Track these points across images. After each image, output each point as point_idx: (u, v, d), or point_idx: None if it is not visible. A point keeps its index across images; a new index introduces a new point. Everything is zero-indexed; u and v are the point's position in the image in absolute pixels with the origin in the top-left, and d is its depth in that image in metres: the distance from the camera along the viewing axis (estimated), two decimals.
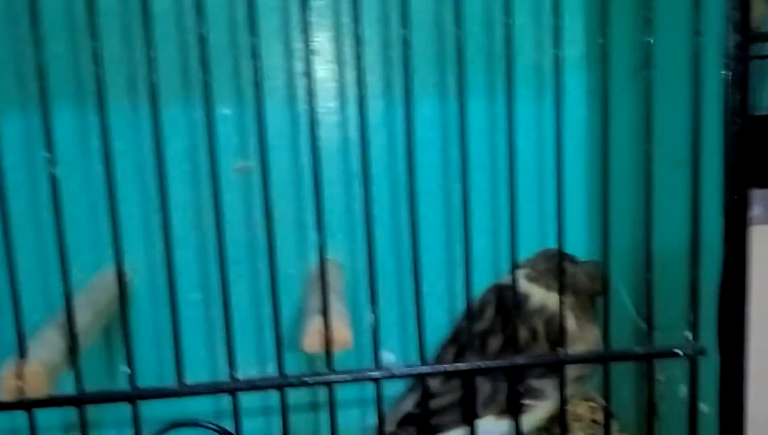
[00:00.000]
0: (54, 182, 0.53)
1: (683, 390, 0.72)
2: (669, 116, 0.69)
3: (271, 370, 0.95)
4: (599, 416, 0.99)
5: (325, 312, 0.58)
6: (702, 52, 0.58)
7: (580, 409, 1.01)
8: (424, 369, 0.59)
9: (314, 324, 0.59)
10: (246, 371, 0.90)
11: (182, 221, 0.92)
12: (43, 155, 0.52)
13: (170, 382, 0.89)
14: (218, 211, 0.57)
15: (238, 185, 0.93)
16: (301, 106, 0.92)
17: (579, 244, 0.95)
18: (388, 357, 0.96)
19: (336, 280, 0.81)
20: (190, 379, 0.57)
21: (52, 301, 0.90)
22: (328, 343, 0.57)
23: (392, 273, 0.95)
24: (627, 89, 0.80)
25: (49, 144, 0.52)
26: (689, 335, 0.62)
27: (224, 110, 0.92)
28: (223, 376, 0.58)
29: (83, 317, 0.72)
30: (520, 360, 0.60)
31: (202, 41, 0.54)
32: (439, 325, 0.94)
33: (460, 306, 0.94)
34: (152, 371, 0.90)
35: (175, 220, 0.91)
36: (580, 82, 0.94)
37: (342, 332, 0.58)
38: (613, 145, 0.62)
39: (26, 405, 0.55)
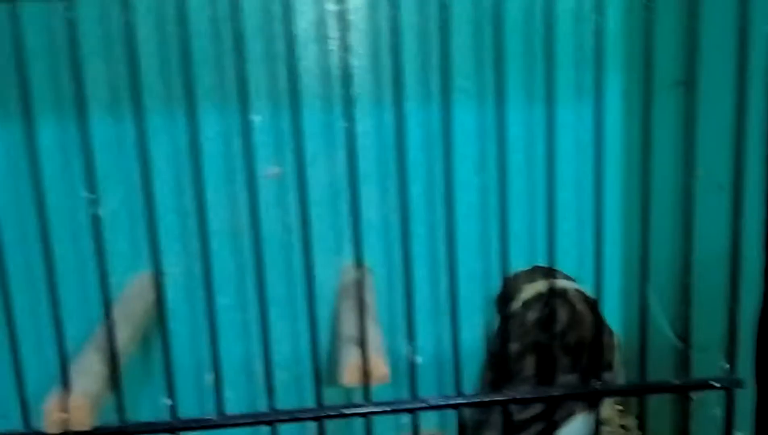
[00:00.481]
0: (97, 222, 0.53)
1: (718, 411, 0.72)
2: (711, 130, 0.68)
3: (305, 370, 0.96)
4: (627, 421, 0.99)
5: (362, 344, 0.58)
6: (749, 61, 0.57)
7: (608, 412, 1.01)
8: (460, 400, 0.60)
9: (352, 358, 0.59)
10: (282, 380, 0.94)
11: (216, 228, 0.93)
12: (86, 196, 0.52)
13: (209, 405, 0.91)
14: (256, 225, 0.57)
15: (270, 192, 0.93)
16: (336, 111, 0.91)
17: (615, 263, 0.94)
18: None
19: (369, 294, 0.81)
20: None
21: (90, 307, 0.91)
22: (366, 377, 0.57)
23: (426, 277, 0.95)
24: (668, 95, 0.78)
25: (91, 185, 0.53)
26: (726, 365, 0.62)
27: (254, 117, 0.92)
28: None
29: (122, 334, 0.73)
30: (555, 391, 0.60)
31: (239, 49, 0.54)
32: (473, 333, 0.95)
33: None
34: (189, 381, 0.92)
35: (210, 226, 0.93)
36: (618, 86, 0.92)
37: (380, 367, 0.58)
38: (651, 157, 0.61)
39: None
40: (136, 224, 0.93)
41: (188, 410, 0.73)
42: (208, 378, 0.97)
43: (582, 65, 0.90)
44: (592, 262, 0.96)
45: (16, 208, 0.88)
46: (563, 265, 0.83)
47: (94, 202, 0.53)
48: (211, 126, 0.90)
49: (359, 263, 0.58)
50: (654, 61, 0.60)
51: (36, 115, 0.54)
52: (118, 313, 0.79)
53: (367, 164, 0.93)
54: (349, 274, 0.93)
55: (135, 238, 0.93)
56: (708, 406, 0.73)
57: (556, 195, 0.60)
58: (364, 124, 0.92)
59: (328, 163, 0.94)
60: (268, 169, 0.93)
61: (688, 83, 0.58)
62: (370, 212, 0.95)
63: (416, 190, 0.92)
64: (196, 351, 0.95)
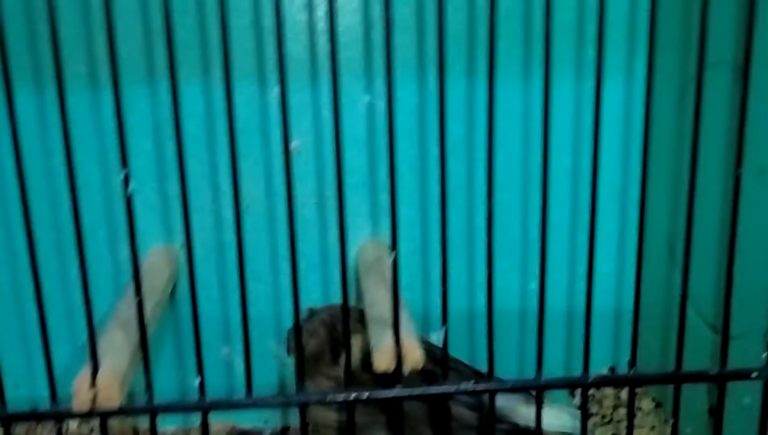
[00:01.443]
0: (129, 203, 0.52)
1: (747, 400, 0.72)
2: (752, 111, 0.66)
3: None
4: (643, 403, 0.99)
5: (396, 328, 0.57)
6: None
7: (624, 393, 1.01)
8: (495, 385, 0.59)
9: (386, 343, 0.58)
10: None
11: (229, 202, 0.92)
12: (120, 176, 0.51)
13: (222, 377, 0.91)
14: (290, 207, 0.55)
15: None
16: (358, 84, 0.89)
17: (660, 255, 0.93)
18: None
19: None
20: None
21: (104, 283, 0.91)
22: (400, 362, 0.56)
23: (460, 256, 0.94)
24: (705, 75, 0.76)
25: (124, 160, 0.51)
26: (764, 354, 0.61)
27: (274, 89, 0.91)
28: None
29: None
30: (587, 379, 0.59)
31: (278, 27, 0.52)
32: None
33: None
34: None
35: (224, 202, 0.92)
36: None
37: (415, 352, 0.57)
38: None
39: (99, 415, 0.56)
40: (148, 198, 0.91)
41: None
42: (224, 351, 0.96)
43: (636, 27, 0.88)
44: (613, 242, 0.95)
45: (49, 186, 0.87)
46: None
47: (126, 180, 0.52)
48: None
49: (394, 246, 0.57)
50: (692, 40, 0.58)
51: (69, 85, 0.52)
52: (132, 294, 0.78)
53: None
54: (370, 251, 0.92)
55: (149, 212, 0.92)
56: (737, 394, 0.72)
57: (598, 175, 0.59)
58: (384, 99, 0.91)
59: (346, 138, 0.93)
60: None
61: (735, 66, 0.56)
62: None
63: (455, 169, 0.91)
64: (211, 324, 0.94)
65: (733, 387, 0.73)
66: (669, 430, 0.91)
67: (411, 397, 0.57)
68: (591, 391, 0.99)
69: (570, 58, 0.89)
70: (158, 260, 0.89)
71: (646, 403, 0.98)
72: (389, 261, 0.84)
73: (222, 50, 0.51)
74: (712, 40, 0.75)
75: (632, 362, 0.60)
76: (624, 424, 0.95)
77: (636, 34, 0.90)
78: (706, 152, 0.76)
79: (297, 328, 0.57)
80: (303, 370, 0.57)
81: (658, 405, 0.98)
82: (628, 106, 0.91)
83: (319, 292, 0.94)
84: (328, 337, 0.80)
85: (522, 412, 0.71)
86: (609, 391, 1.00)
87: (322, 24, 0.89)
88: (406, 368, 0.58)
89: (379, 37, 0.89)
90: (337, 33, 0.52)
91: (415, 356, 0.58)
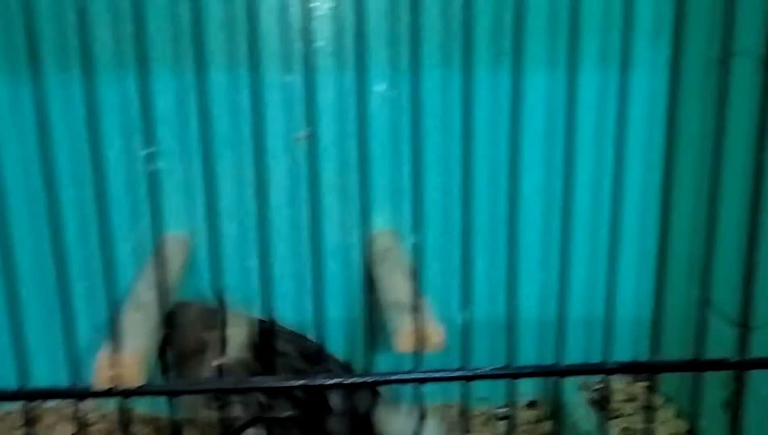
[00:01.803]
0: (154, 179, 0.52)
1: (765, 391, 0.71)
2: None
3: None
4: (654, 399, 0.99)
5: (417, 310, 0.57)
6: None
7: (634, 389, 1.01)
8: (514, 369, 0.59)
9: (407, 325, 0.58)
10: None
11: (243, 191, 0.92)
12: (143, 153, 0.51)
13: None
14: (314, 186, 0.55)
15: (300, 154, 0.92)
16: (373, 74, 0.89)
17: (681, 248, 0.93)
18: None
19: (406, 261, 0.80)
20: None
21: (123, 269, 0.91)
22: (421, 344, 0.56)
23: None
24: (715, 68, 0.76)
25: (149, 138, 0.51)
26: None
27: (288, 77, 0.90)
28: None
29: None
30: (608, 366, 0.59)
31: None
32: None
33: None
34: None
35: (239, 189, 0.92)
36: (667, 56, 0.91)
37: (437, 334, 0.57)
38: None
39: (120, 394, 0.56)
40: (162, 184, 0.91)
41: None
42: None
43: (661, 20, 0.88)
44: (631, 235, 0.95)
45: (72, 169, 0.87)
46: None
47: (151, 157, 0.52)
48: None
49: (417, 229, 0.57)
50: (717, 29, 0.58)
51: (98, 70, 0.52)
52: (150, 276, 0.78)
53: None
54: (382, 240, 0.92)
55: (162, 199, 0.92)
56: (755, 386, 0.72)
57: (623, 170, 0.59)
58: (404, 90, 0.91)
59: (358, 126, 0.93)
60: (301, 132, 0.92)
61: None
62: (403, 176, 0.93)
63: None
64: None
65: (751, 379, 0.72)
66: (680, 423, 0.91)
67: (427, 380, 0.57)
68: (602, 386, 0.98)
69: (594, 49, 0.89)
70: (170, 246, 0.88)
71: (656, 398, 0.98)
72: (403, 249, 0.85)
73: (249, 37, 0.51)
74: (737, 29, 0.75)
75: (653, 349, 0.60)
76: (635, 417, 0.95)
77: (661, 24, 0.89)
78: (729, 142, 0.76)
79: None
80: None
81: (668, 400, 0.98)
82: (652, 98, 0.91)
83: (338, 282, 0.94)
84: (200, 330, 0.78)
85: (396, 426, 0.70)
86: (620, 386, 1.00)
87: (344, 14, 0.89)
88: (428, 349, 0.57)
89: (395, 26, 0.89)
90: (361, 23, 0.52)
91: (437, 338, 0.57)
